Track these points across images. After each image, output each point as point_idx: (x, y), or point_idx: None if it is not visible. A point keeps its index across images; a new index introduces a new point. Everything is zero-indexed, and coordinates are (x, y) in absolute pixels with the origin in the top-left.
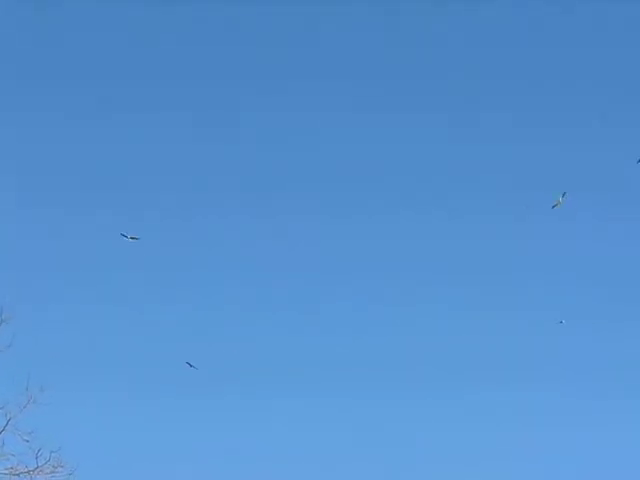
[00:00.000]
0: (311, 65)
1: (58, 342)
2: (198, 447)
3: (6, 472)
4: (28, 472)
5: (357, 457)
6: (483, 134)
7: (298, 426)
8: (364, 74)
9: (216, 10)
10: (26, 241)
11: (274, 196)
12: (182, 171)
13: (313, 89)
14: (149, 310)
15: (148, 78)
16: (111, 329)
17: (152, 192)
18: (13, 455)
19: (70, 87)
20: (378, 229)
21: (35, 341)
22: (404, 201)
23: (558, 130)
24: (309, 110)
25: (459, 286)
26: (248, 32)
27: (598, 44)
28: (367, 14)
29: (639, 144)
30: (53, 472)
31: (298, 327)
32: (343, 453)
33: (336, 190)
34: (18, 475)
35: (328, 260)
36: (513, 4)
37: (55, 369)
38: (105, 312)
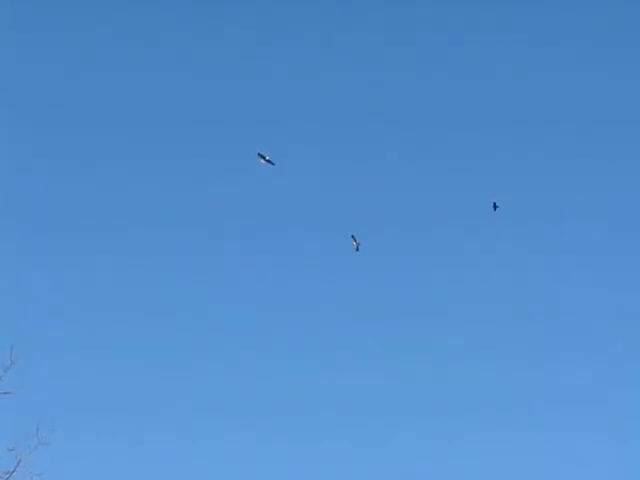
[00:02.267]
0: None
1: (68, 384)
2: None
3: None
4: None
5: None
6: None
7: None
8: None
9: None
10: (38, 286)
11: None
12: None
13: None
14: (155, 356)
15: None
16: (118, 374)
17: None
18: None
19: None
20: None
21: (45, 383)
22: (404, 252)
23: None
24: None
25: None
26: None
27: None
28: None
29: None
30: None
31: (303, 374)
32: None
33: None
34: None
35: (334, 309)
36: None
37: (65, 411)
38: (112, 357)
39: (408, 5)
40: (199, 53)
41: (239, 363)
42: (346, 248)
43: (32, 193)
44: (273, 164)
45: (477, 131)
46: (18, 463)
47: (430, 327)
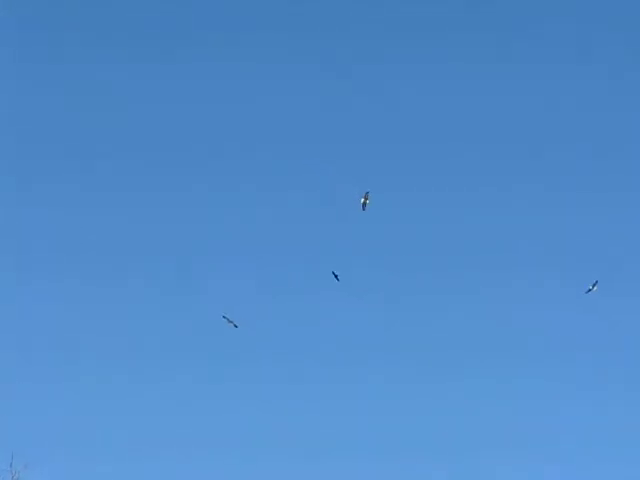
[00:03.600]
0: None
1: (41, 420)
2: None
3: None
4: None
5: None
6: None
7: None
8: None
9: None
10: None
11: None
12: None
13: None
14: (134, 388)
15: None
16: (94, 406)
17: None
18: None
19: None
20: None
21: (18, 419)
22: (418, 290)
23: None
24: None
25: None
26: None
27: None
28: None
29: None
30: None
31: (317, 405)
32: None
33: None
34: None
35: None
36: None
37: (39, 446)
38: (89, 390)
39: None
40: None
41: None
42: None
43: None
44: (236, 326)
45: None
46: None
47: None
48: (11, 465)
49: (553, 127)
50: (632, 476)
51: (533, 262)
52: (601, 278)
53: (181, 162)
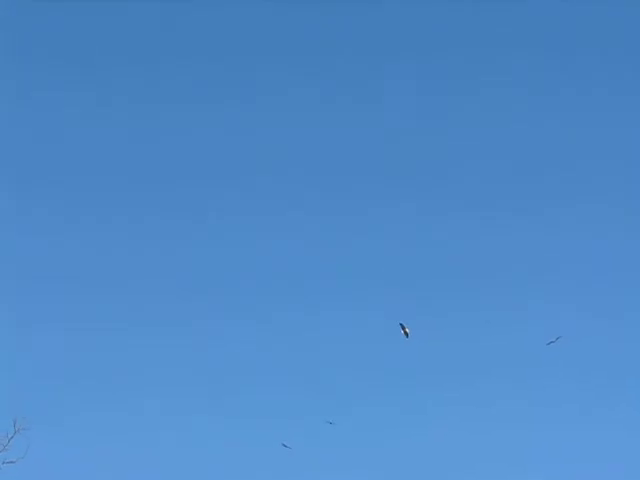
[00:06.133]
0: None
1: (72, 452)
2: None
3: None
4: None
5: None
6: None
7: None
8: None
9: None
10: (41, 352)
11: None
12: None
13: None
14: (162, 419)
15: None
16: (124, 439)
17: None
18: None
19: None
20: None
21: (49, 451)
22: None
23: None
24: None
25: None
26: None
27: None
28: None
29: None
30: None
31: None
32: None
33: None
34: None
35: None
36: None
37: (71, 478)
38: (118, 421)
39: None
40: None
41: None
42: None
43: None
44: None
45: None
46: None
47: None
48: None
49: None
50: None
51: None
52: None
53: None
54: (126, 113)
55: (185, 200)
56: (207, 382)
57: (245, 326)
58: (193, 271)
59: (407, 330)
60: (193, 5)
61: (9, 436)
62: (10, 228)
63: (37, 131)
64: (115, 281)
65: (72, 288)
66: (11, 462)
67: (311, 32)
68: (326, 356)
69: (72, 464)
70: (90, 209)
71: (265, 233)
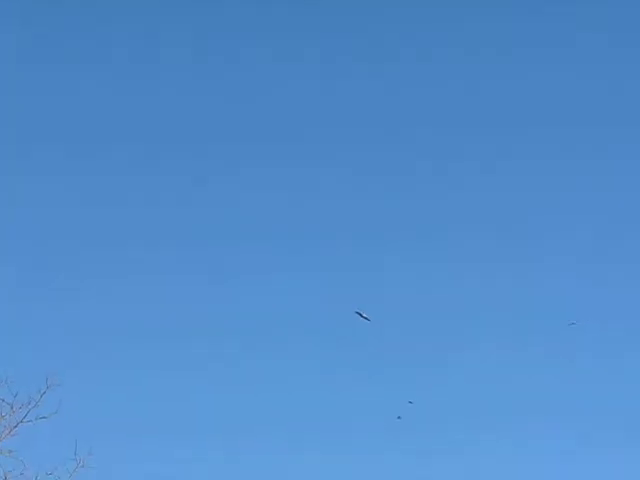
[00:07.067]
0: None
1: (105, 405)
2: None
3: None
4: None
5: None
6: None
7: None
8: None
9: None
10: (72, 305)
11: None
12: None
13: None
14: (192, 373)
15: None
16: (154, 393)
17: None
18: None
19: None
20: None
21: (82, 405)
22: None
23: None
24: None
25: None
26: None
27: None
28: None
29: None
30: None
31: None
32: None
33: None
34: None
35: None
36: None
37: (103, 433)
38: (151, 376)
39: None
40: None
41: None
42: None
43: None
44: (368, 320)
45: None
46: None
47: None
48: (75, 452)
49: None
50: None
51: None
52: None
53: None
54: None
55: None
56: None
57: None
58: None
59: (365, 315)
60: None
61: (41, 392)
62: None
63: None
64: None
65: None
66: (43, 418)
67: None
68: None
69: (105, 417)
70: None
71: None
